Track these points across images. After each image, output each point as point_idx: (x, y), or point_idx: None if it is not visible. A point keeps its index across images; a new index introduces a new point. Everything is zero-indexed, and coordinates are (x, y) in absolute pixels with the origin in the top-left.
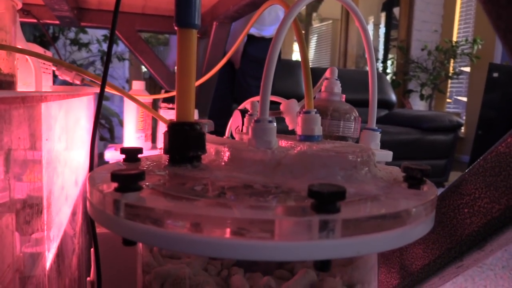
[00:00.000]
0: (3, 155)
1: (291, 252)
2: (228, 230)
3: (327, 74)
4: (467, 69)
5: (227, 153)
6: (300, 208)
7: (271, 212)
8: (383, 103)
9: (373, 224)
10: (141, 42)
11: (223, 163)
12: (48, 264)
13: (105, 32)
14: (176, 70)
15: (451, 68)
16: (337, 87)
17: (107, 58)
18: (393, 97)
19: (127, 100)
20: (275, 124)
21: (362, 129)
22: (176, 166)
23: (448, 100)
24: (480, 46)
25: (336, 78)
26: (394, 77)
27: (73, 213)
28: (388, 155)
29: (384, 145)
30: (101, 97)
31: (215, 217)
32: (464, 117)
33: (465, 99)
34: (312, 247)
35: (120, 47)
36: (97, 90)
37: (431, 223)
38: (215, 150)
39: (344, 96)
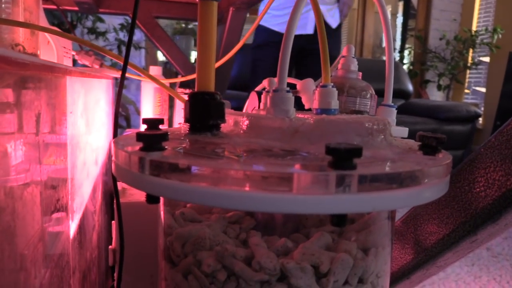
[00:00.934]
0: (33, 118)
1: (309, 205)
2: (248, 183)
3: (344, 52)
4: (487, 59)
5: (246, 122)
6: (318, 165)
7: (290, 168)
8: (400, 93)
9: (388, 181)
10: (158, 28)
11: (241, 132)
12: (71, 233)
13: (122, 20)
14: (197, 42)
15: (469, 58)
16: (354, 65)
17: (130, 32)
18: (410, 87)
19: (145, 85)
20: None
21: (378, 106)
22: (197, 134)
23: (466, 91)
24: (500, 36)
25: (353, 56)
26: (411, 67)
27: (93, 191)
28: (404, 131)
29: None
30: (125, 65)
31: (237, 171)
32: (482, 108)
33: (483, 89)
34: (329, 201)
35: (136, 36)
36: (116, 74)
37: (445, 186)
38: (234, 120)
39: (360, 73)
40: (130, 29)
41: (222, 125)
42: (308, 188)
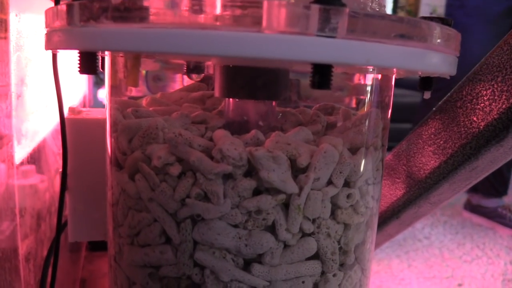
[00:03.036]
0: None
1: (282, 47)
2: (207, 23)
3: None
4: None
5: None
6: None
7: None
8: None
9: (388, 30)
10: None
11: None
12: (17, 157)
13: None
14: None
15: None
16: None
17: None
18: None
19: None
20: None
21: None
22: None
23: None
24: None
25: None
26: None
27: (57, 133)
28: None
29: None
30: None
31: (192, 4)
32: None
33: None
34: (309, 43)
35: None
36: None
37: (453, 65)
38: None
39: None
40: None
41: None
42: (283, 25)
